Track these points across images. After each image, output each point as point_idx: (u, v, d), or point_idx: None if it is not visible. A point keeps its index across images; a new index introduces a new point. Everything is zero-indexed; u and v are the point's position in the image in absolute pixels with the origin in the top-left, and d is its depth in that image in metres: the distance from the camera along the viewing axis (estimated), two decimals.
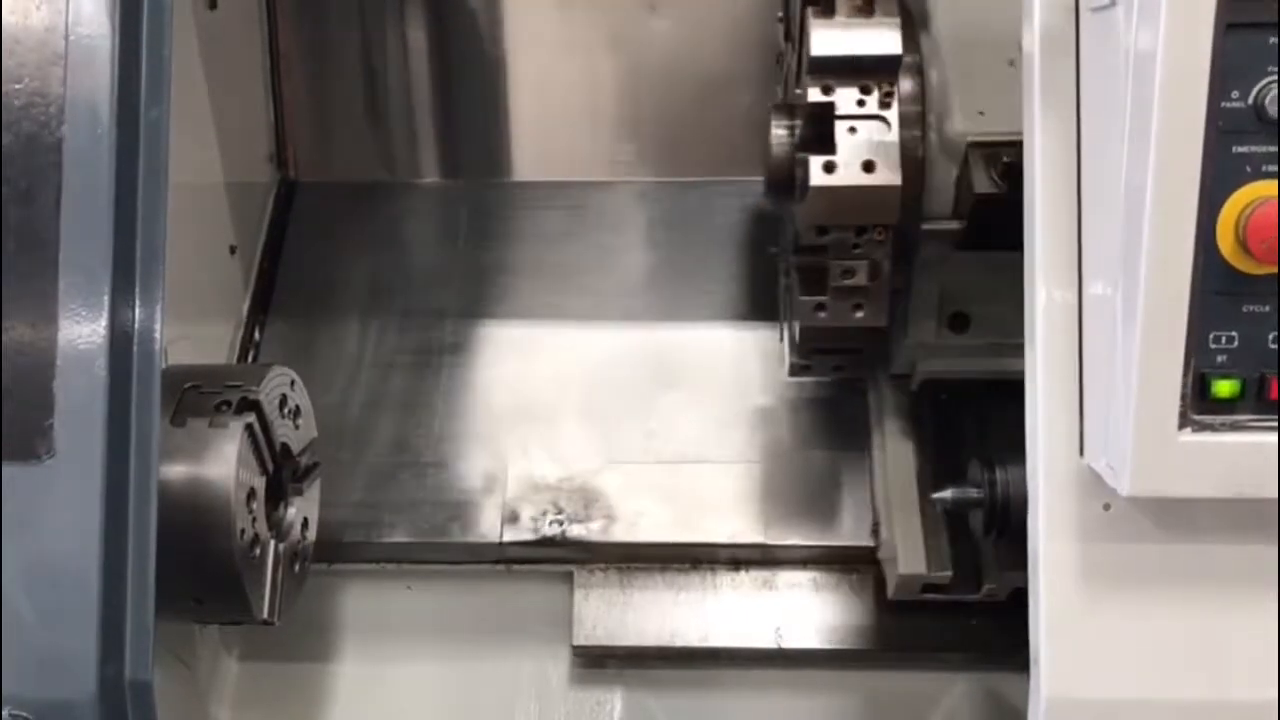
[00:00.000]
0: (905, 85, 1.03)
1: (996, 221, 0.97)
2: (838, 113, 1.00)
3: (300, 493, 1.14)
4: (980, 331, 1.12)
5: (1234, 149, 0.67)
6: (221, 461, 0.99)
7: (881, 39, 1.00)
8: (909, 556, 1.12)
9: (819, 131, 1.01)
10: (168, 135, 0.84)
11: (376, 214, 1.53)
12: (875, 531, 1.20)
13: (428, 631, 1.27)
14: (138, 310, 0.82)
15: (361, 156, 1.55)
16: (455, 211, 1.51)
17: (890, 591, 1.16)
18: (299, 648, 1.25)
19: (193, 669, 1.20)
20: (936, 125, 1.01)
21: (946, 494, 1.05)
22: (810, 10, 1.03)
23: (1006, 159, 0.95)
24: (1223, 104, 0.67)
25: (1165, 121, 0.67)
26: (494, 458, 1.31)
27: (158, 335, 0.81)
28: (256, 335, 1.40)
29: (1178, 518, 0.76)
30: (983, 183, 0.97)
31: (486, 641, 1.25)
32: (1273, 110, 0.66)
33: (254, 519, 1.03)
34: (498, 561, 1.27)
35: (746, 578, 1.24)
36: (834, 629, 1.22)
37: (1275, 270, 0.68)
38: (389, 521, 1.28)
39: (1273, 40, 0.66)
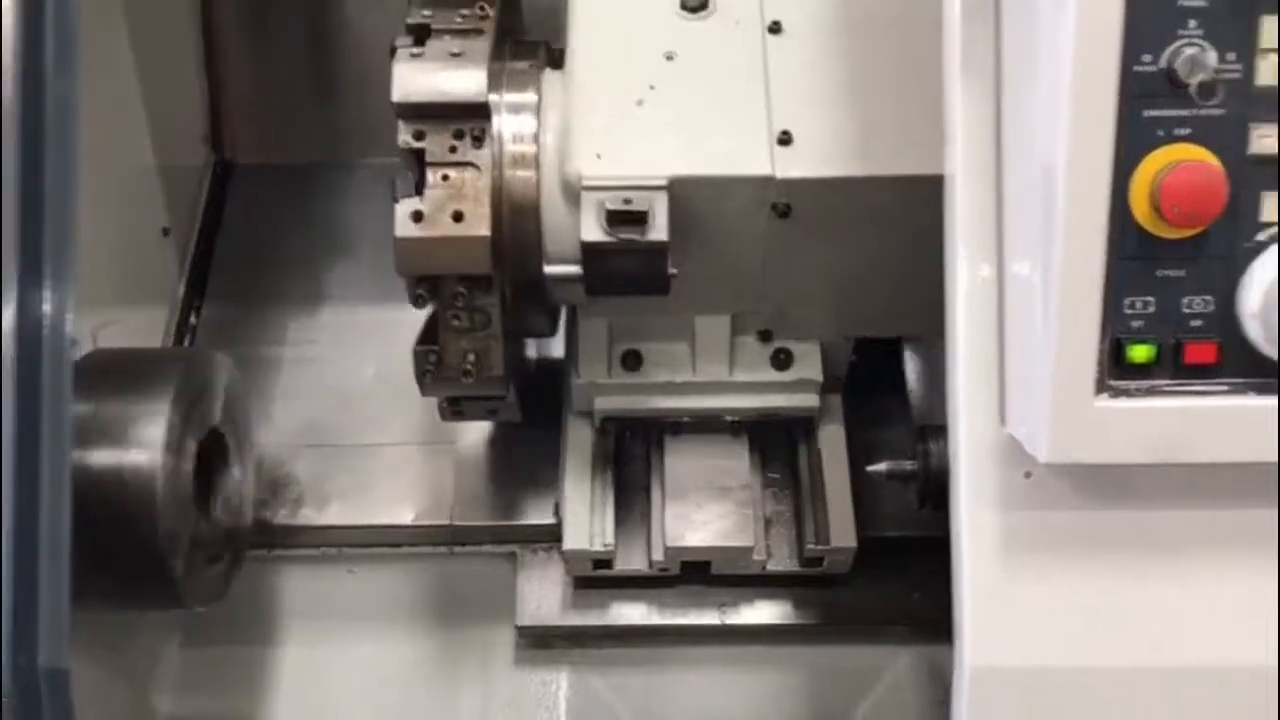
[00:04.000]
0: (516, 127, 1.01)
1: (615, 269, 0.96)
2: (429, 159, 0.97)
3: (232, 477, 1.13)
4: (653, 369, 1.12)
5: (1146, 113, 0.67)
6: (146, 445, 0.98)
7: (466, 82, 0.97)
8: (572, 534, 1.14)
9: (414, 178, 0.98)
10: (78, 109, 0.82)
11: (320, 195, 1.51)
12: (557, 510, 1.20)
13: (371, 615, 1.25)
14: (48, 295, 0.79)
15: (306, 136, 1.53)
16: None
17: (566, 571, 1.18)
18: (242, 633, 1.23)
19: (128, 657, 1.19)
20: (557, 167, 0.99)
21: (881, 467, 1.05)
22: (400, 43, 1.00)
23: (624, 204, 0.93)
24: (1134, 68, 0.67)
25: (1077, 87, 0.66)
26: (437, 441, 1.30)
27: (69, 319, 0.79)
28: (192, 319, 1.38)
29: (1099, 484, 0.76)
30: (590, 229, 0.94)
31: (430, 624, 1.24)
32: (1184, 73, 0.67)
33: (181, 503, 1.02)
34: (440, 544, 1.27)
35: None
36: (779, 605, 1.22)
37: (1189, 234, 0.69)
38: (331, 506, 1.26)
39: (1182, 2, 0.66)
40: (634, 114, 1.00)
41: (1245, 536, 0.76)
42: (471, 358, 1.04)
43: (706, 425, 1.19)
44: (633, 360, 1.14)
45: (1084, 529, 0.76)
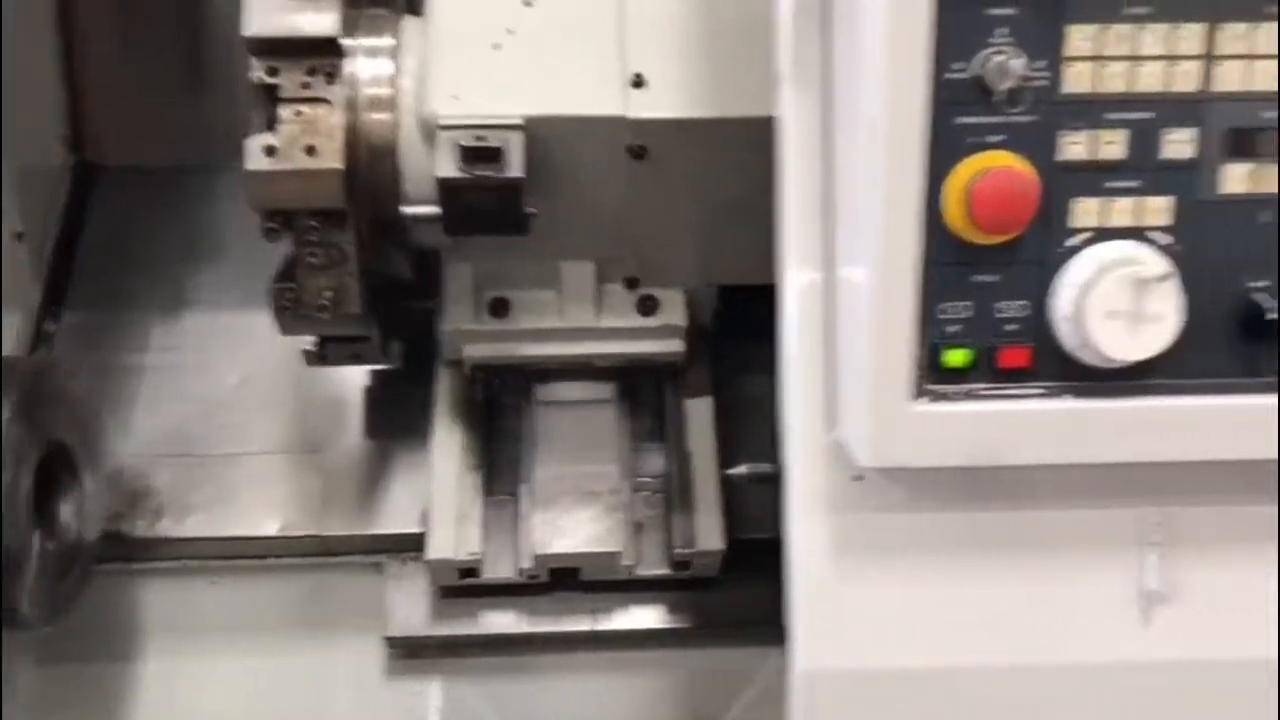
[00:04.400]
0: (373, 70, 1.03)
1: (472, 207, 0.98)
2: (282, 95, 0.99)
3: (78, 490, 1.09)
4: (521, 316, 1.13)
5: (957, 120, 0.67)
6: None
7: (318, 18, 0.99)
8: (437, 543, 1.13)
9: (266, 114, 1.00)
10: None
11: (187, 198, 1.46)
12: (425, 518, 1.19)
13: (236, 629, 1.21)
14: None
15: (173, 137, 1.47)
16: None
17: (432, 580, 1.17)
18: (101, 650, 1.19)
19: None
20: (415, 109, 1.01)
21: (741, 470, 1.06)
22: None
23: (477, 141, 0.95)
24: (945, 75, 0.67)
25: (888, 94, 0.66)
26: (304, 449, 1.27)
27: None
28: (50, 326, 1.33)
29: (928, 487, 0.76)
30: (446, 167, 0.96)
31: (297, 637, 1.21)
32: (993, 80, 0.67)
33: (19, 519, 0.98)
34: (307, 555, 1.23)
35: None
36: (650, 609, 1.20)
37: (1003, 240, 0.69)
38: (192, 517, 1.23)
39: (991, 11, 0.67)
40: (491, 57, 1.02)
41: (1068, 538, 0.77)
42: (329, 294, 1.04)
43: (577, 376, 1.20)
44: (500, 307, 1.14)
45: (914, 531, 0.77)
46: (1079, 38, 0.67)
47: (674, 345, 1.16)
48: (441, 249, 1.12)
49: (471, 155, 0.97)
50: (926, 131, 0.67)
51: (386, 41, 1.06)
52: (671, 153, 1.03)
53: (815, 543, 0.76)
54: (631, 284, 1.15)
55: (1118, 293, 0.67)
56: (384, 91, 1.04)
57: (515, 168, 0.97)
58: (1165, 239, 0.70)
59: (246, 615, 1.24)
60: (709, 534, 1.16)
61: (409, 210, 1.03)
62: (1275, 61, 0.68)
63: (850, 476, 0.76)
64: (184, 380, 1.33)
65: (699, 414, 1.22)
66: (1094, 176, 0.69)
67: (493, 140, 0.97)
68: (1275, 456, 0.72)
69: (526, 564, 1.14)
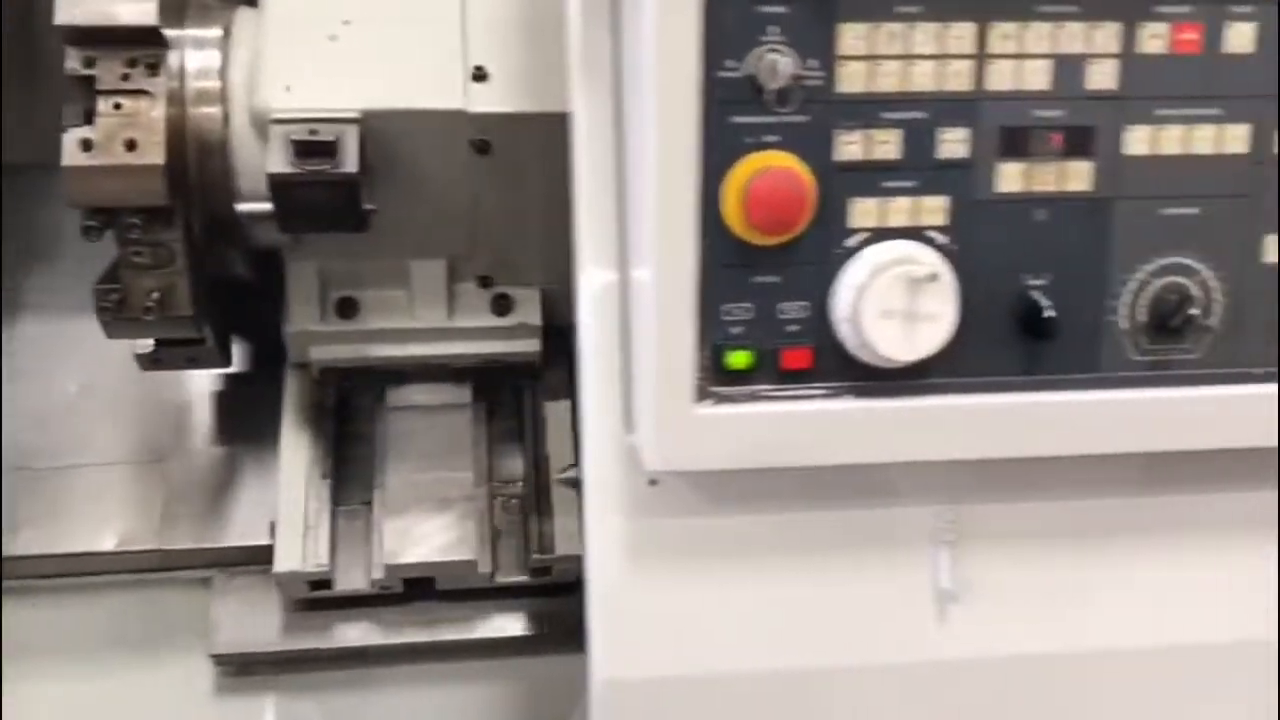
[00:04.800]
0: (201, 62, 1.00)
1: (307, 204, 0.96)
2: (99, 87, 0.95)
3: None
4: (370, 317, 1.10)
5: (733, 119, 0.67)
6: None
7: (136, 7, 0.96)
8: (284, 555, 1.09)
9: (84, 107, 0.96)
10: None
11: (21, 198, 1.38)
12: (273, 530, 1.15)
13: (64, 650, 1.15)
14: None
15: (6, 134, 1.40)
16: None
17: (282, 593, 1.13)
18: None
19: None
20: (246, 102, 0.98)
21: (570, 474, 1.05)
22: None
23: (310, 135, 0.92)
24: (718, 74, 0.66)
25: (660, 93, 0.65)
26: (147, 459, 1.22)
27: None
28: None
29: (723, 491, 0.75)
30: (277, 162, 0.93)
31: (125, 656, 1.15)
32: (766, 80, 0.66)
33: None
34: (144, 570, 1.20)
35: None
36: (508, 617, 1.17)
37: (782, 241, 0.69)
38: (23, 534, 1.16)
39: (762, 8, 0.66)
40: (327, 48, 0.99)
41: (864, 537, 0.77)
42: (155, 296, 1.00)
43: (430, 378, 1.17)
44: (348, 307, 1.10)
45: (711, 535, 0.76)
46: (851, 36, 0.67)
47: (530, 346, 1.13)
48: (283, 248, 1.08)
49: (304, 150, 0.93)
50: (700, 131, 0.66)
51: (215, 32, 1.02)
52: (516, 148, 1.01)
53: (612, 549, 0.75)
54: (485, 283, 1.12)
55: (892, 293, 0.67)
56: (212, 84, 1.00)
57: (350, 163, 0.94)
58: (942, 238, 0.70)
59: (76, 635, 1.18)
60: (568, 539, 1.13)
61: (243, 207, 0.99)
62: (1047, 61, 0.69)
63: (646, 481, 0.75)
64: (20, 389, 1.26)
65: (558, 417, 1.20)
66: (871, 176, 0.69)
67: (326, 134, 0.94)
68: (1057, 453, 0.74)
69: (379, 574, 1.11)
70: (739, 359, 0.70)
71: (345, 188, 0.95)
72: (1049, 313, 0.70)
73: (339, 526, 1.15)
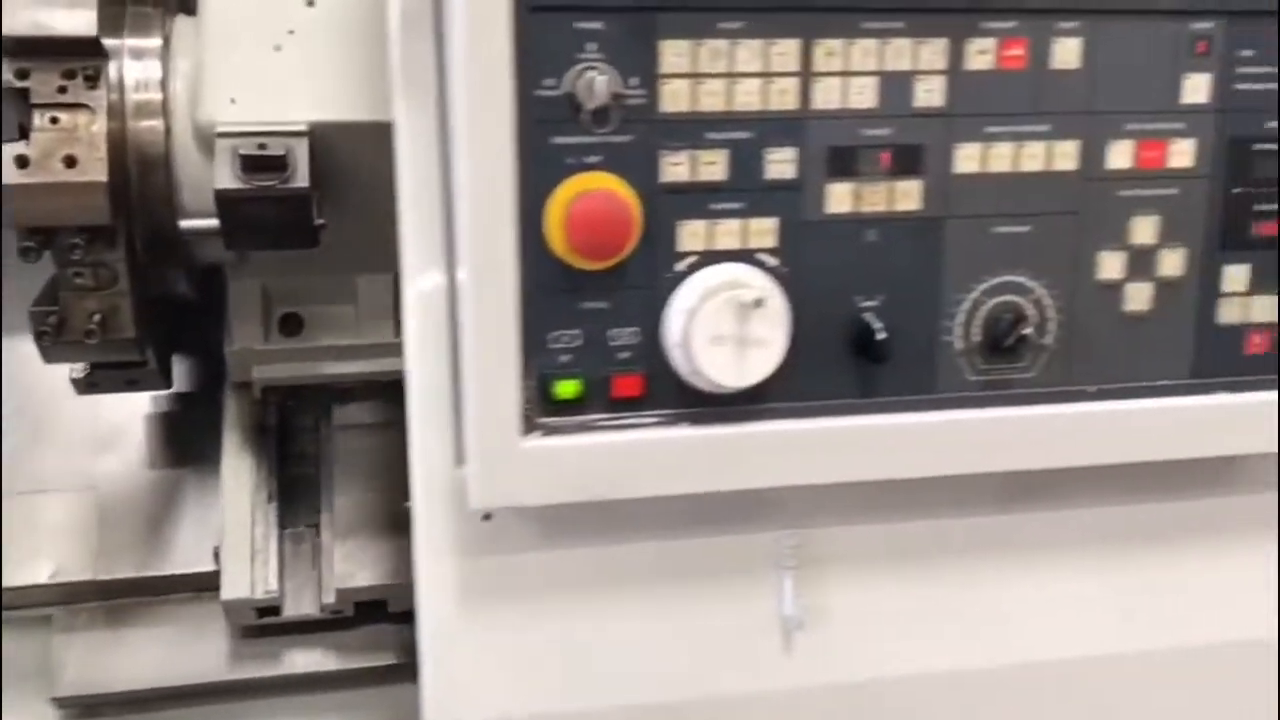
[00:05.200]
0: (141, 73, 0.94)
1: (255, 220, 0.92)
2: (35, 100, 0.89)
3: None
4: (315, 334, 1.06)
5: (553, 140, 0.64)
6: None
7: (73, 16, 0.90)
8: (231, 581, 1.06)
9: (19, 122, 0.91)
10: None
11: None
12: (217, 555, 1.12)
13: None
14: None
15: None
16: None
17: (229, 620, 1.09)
18: None
19: None
20: (190, 115, 0.93)
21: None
22: None
23: (258, 149, 0.88)
24: (536, 92, 0.63)
25: (472, 113, 0.62)
26: (80, 485, 1.15)
27: None
28: None
29: (561, 524, 0.73)
30: (224, 178, 0.89)
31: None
32: (586, 98, 0.64)
33: None
34: (84, 601, 1.11)
35: None
36: (347, 649, 1.13)
37: (609, 265, 0.66)
38: None
39: (580, 25, 0.63)
40: (272, 59, 0.93)
41: (707, 566, 0.75)
42: (97, 318, 0.93)
43: (377, 396, 1.12)
44: (292, 324, 1.06)
45: (550, 570, 0.73)
46: (673, 54, 0.65)
47: None
48: (226, 264, 1.02)
49: (252, 164, 0.88)
50: (517, 152, 0.63)
51: (155, 42, 0.96)
52: None
53: (444, 587, 0.72)
54: None
55: (721, 318, 0.65)
56: (153, 96, 0.94)
57: (301, 177, 0.89)
58: (773, 261, 0.68)
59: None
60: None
61: (187, 225, 0.94)
62: (873, 78, 0.67)
63: (480, 515, 0.72)
64: None
65: None
66: (698, 198, 0.67)
67: (275, 148, 0.89)
68: (895, 476, 0.73)
69: (329, 599, 1.07)
70: (567, 388, 0.67)
71: (296, 203, 0.90)
72: (881, 335, 0.68)
73: (286, 550, 1.12)
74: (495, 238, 0.64)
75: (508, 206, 0.64)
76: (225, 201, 0.88)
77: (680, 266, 0.67)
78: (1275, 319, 0.75)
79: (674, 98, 0.65)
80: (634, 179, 0.65)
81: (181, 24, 0.98)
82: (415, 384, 0.72)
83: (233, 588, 1.07)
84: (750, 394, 0.68)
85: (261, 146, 0.89)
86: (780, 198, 0.67)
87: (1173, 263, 0.73)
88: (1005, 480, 0.76)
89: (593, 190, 0.64)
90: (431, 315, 0.71)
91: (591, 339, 0.67)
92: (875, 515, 0.77)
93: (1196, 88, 0.71)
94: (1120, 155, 0.70)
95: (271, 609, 1.09)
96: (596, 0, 0.63)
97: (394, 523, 1.10)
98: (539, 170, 0.64)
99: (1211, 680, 0.84)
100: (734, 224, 0.67)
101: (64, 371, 1.05)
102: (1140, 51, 0.70)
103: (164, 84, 0.94)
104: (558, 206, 0.65)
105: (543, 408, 0.67)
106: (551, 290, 0.66)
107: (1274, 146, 0.73)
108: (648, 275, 0.67)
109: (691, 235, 0.67)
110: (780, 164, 0.67)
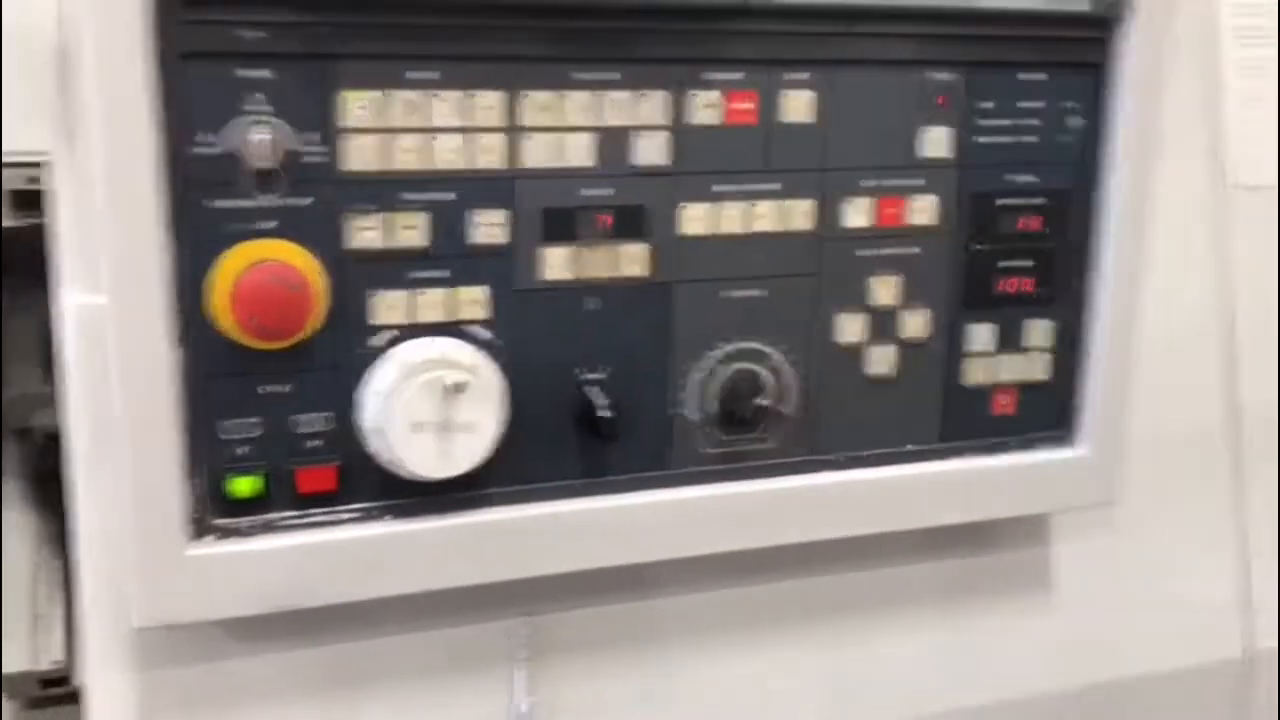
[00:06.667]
0: None
1: (27, 257, 0.84)
2: None
3: None
4: None
5: (215, 204, 0.55)
6: None
7: None
8: (12, 652, 0.96)
9: None
10: None
11: None
12: None
13: None
14: None
15: None
16: None
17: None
18: None
19: None
20: None
21: None
22: None
23: (29, 185, 0.79)
24: (191, 150, 0.55)
25: (108, 173, 0.53)
26: None
27: None
28: None
29: (258, 626, 0.63)
30: None
31: None
32: (252, 157, 0.55)
33: None
34: None
35: None
36: None
37: (291, 343, 0.57)
38: None
39: (243, 73, 0.55)
40: (33, 84, 0.81)
41: (433, 662, 0.67)
42: None
43: None
44: None
45: (249, 679, 0.64)
46: (356, 106, 0.57)
47: None
48: None
49: (24, 200, 0.78)
50: (168, 218, 0.54)
51: None
52: None
53: (119, 706, 0.63)
54: None
55: (421, 402, 0.57)
56: None
57: None
58: (485, 333, 0.61)
59: None
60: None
61: None
62: (589, 134, 0.60)
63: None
64: None
65: None
66: (394, 267, 0.59)
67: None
68: (629, 561, 0.67)
69: None
70: (244, 485, 0.58)
71: None
72: (604, 412, 0.62)
73: (74, 612, 1.01)
74: (143, 315, 0.54)
75: (155, 280, 0.54)
76: None
77: (375, 342, 0.59)
78: (1020, 378, 0.72)
79: (360, 155, 0.57)
80: (315, 247, 0.57)
81: None
82: (80, 480, 0.61)
83: (14, 660, 0.96)
84: (464, 480, 0.60)
85: (32, 180, 0.79)
86: (490, 264, 0.60)
87: (916, 324, 0.69)
88: (744, 552, 0.72)
89: (263, 261, 0.56)
90: (102, 427, 0.59)
91: (272, 427, 0.58)
92: (617, 595, 0.72)
93: (937, 141, 0.67)
94: (858, 213, 0.66)
95: (58, 679, 0.99)
96: (263, 46, 0.54)
97: None
98: (197, 239, 0.55)
99: None
100: (438, 294, 0.60)
101: None
102: (877, 104, 0.66)
103: None
104: (223, 279, 0.56)
105: (216, 508, 0.58)
106: (221, 374, 0.57)
107: (1016, 201, 0.71)
108: (337, 353, 0.59)
109: (389, 308, 0.59)
110: (488, 227, 0.60)
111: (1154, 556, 0.86)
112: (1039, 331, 0.73)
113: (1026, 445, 0.73)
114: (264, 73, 0.55)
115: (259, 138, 0.55)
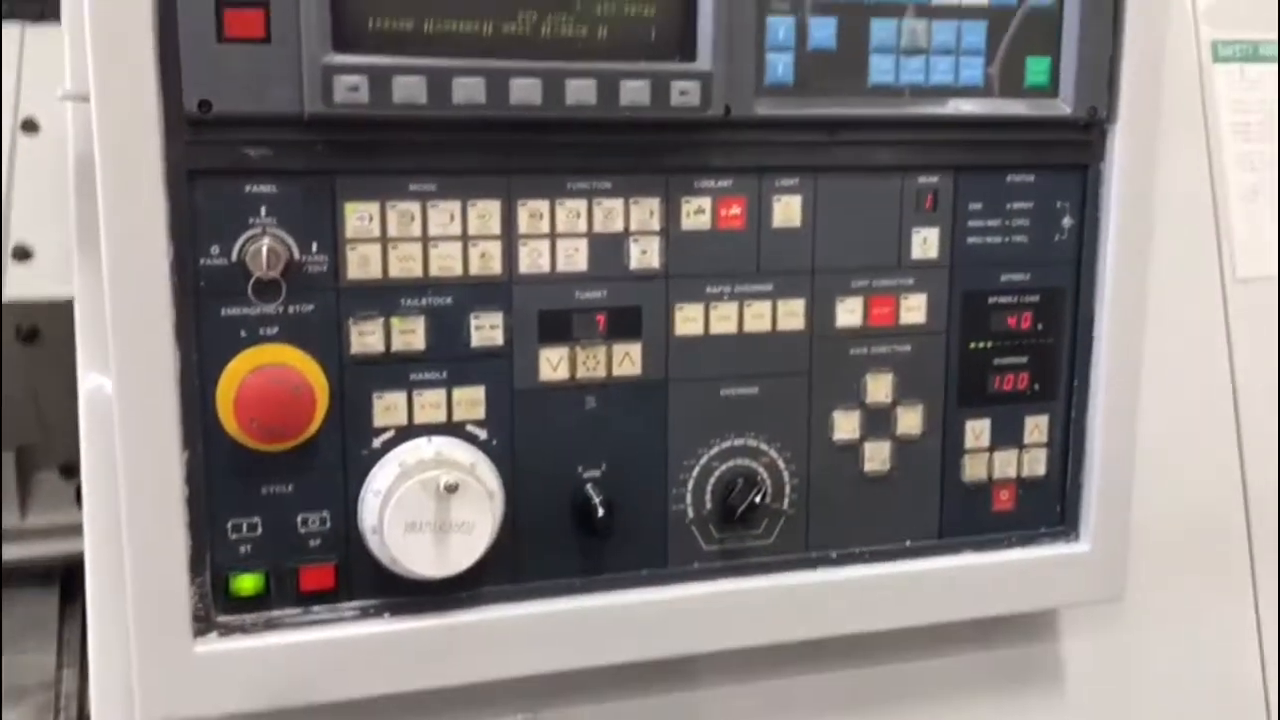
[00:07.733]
0: None
1: None
2: None
3: None
4: None
5: (225, 312, 0.58)
6: None
7: None
8: None
9: None
10: None
11: None
12: None
13: None
14: None
15: None
16: None
17: None
18: None
19: None
20: None
21: None
22: None
23: None
24: (203, 262, 0.57)
25: (118, 287, 0.55)
26: None
27: None
28: None
29: None
30: None
31: None
32: (256, 267, 0.57)
33: None
34: None
35: None
36: None
37: (293, 445, 0.59)
38: None
39: (250, 188, 0.58)
40: None
41: None
42: None
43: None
44: None
45: None
46: (357, 218, 0.59)
47: None
48: None
49: None
50: (180, 326, 0.56)
51: None
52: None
53: None
54: (69, 471, 1.00)
55: (417, 503, 0.59)
56: None
57: None
58: (482, 433, 0.63)
59: None
60: None
61: None
62: (583, 240, 0.63)
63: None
64: None
65: None
66: (394, 369, 0.61)
67: None
68: (630, 659, 0.67)
69: None
70: (247, 583, 0.60)
71: None
72: (600, 510, 0.63)
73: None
74: (154, 422, 0.57)
75: (169, 388, 0.57)
76: None
77: (377, 443, 0.61)
78: (1019, 474, 0.73)
79: (362, 264, 0.60)
80: (318, 351, 0.59)
81: None
82: (91, 581, 0.63)
83: None
84: (463, 577, 0.62)
85: None
86: (488, 366, 0.62)
87: (910, 420, 0.70)
88: (750, 648, 0.72)
89: (264, 366, 0.58)
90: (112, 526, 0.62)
91: (275, 527, 0.60)
92: (619, 692, 0.72)
93: (926, 242, 0.69)
94: (849, 313, 0.68)
95: None
96: (267, 163, 0.57)
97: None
98: (206, 346, 0.58)
99: None
100: (437, 395, 0.62)
101: None
102: (864, 207, 0.67)
103: None
104: (229, 384, 0.58)
105: (220, 605, 0.60)
106: (225, 474, 0.59)
107: (1009, 300, 0.72)
108: (339, 455, 0.61)
109: (388, 409, 0.61)
110: (486, 330, 0.62)
111: (1166, 649, 0.85)
112: (1037, 427, 0.73)
113: (1028, 541, 0.74)
114: (269, 188, 0.58)
115: (264, 249, 0.58)
